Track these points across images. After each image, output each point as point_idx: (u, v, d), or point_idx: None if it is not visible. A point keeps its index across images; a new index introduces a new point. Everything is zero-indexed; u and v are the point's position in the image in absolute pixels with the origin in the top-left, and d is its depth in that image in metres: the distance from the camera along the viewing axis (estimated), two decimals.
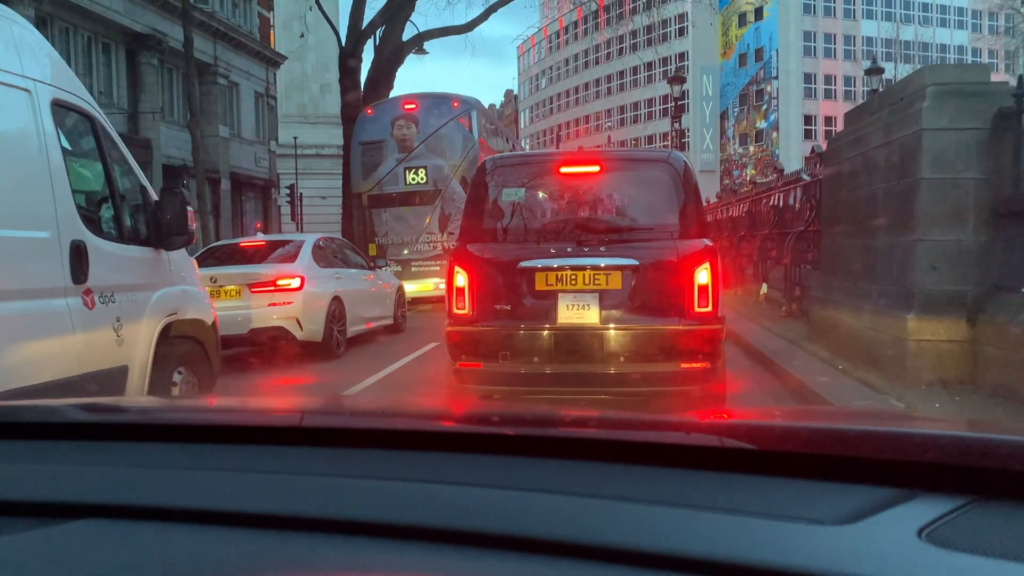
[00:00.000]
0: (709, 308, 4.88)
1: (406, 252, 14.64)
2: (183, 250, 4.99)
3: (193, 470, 1.05)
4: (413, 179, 14.62)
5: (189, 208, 4.74)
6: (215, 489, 0.98)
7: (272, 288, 8.33)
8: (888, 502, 0.85)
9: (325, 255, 9.51)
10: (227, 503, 0.93)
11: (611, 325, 4.91)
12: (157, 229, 4.57)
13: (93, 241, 3.97)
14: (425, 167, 14.57)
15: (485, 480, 0.97)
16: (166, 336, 4.61)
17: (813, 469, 0.93)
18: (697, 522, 0.83)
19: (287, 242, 9.56)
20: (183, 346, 4.88)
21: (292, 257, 8.90)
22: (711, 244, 5.18)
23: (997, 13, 53.44)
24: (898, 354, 5.60)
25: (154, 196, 4.67)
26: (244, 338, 8.30)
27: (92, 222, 4.12)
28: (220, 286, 8.27)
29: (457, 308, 5.12)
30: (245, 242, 10.51)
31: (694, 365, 4.89)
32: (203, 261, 9.00)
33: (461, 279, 5.13)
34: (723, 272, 5.33)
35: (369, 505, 0.90)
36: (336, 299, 8.98)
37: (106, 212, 4.42)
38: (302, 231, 33.16)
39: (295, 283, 8.41)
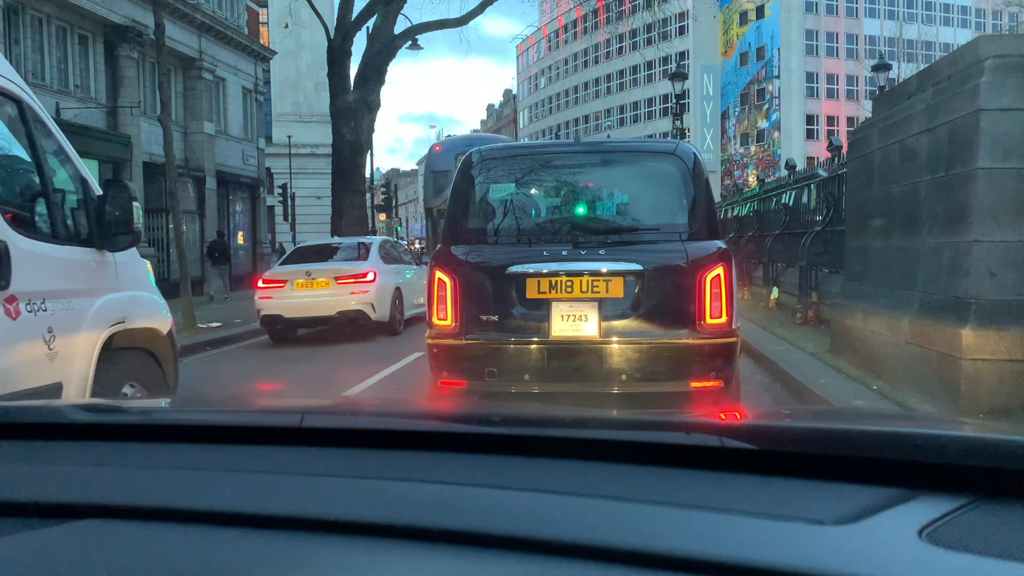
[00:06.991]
0: (723, 319, 4.36)
1: None
2: (134, 251, 4.51)
3: (193, 470, 1.05)
4: None
5: (136, 204, 4.18)
6: (215, 489, 0.97)
7: (352, 280, 10.78)
8: (888, 502, 0.84)
9: (387, 254, 12.09)
10: (227, 503, 0.92)
11: (612, 338, 4.39)
12: (100, 227, 4.10)
13: (18, 241, 3.54)
14: None
15: (485, 480, 0.96)
16: (110, 348, 4.13)
17: (813, 469, 0.92)
18: (697, 522, 0.82)
19: (359, 244, 12.19)
20: (132, 359, 4.39)
21: (365, 256, 11.46)
22: (724, 247, 4.61)
23: (1001, 11, 52.88)
24: (948, 374, 4.78)
25: (97, 190, 4.18)
26: (332, 318, 10.82)
27: (18, 219, 3.68)
28: (313, 279, 10.79)
29: (438, 318, 4.62)
30: (324, 243, 13.34)
31: (706, 384, 4.39)
32: (295, 259, 11.73)
33: (443, 286, 4.61)
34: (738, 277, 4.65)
35: (369, 505, 0.90)
36: (397, 289, 11.46)
37: (36, 208, 3.96)
38: (294, 232, 32.67)
39: (370, 276, 10.87)
